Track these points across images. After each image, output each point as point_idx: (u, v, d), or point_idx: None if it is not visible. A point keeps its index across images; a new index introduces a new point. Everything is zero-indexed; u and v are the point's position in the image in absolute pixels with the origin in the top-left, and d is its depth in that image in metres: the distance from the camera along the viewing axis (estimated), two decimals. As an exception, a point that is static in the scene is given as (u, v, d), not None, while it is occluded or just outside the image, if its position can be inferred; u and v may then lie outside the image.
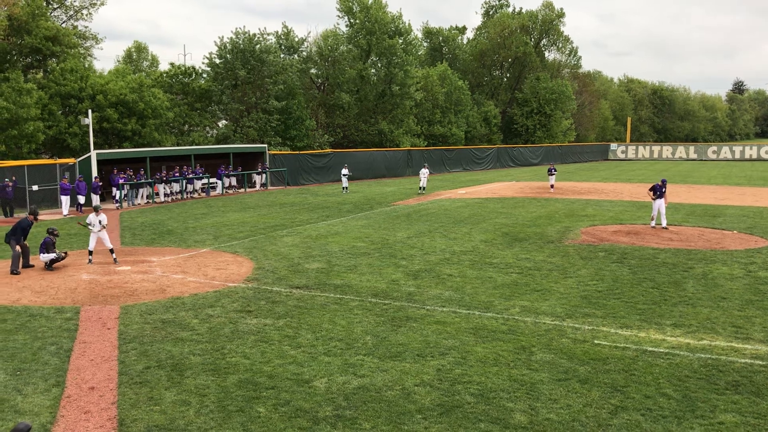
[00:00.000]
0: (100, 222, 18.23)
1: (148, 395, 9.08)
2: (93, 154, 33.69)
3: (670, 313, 12.98)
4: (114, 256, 18.48)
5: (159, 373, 9.91)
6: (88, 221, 18.44)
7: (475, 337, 11.51)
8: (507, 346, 11.02)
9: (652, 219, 24.04)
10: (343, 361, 10.36)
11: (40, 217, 19.61)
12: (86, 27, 51.18)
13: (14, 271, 17.02)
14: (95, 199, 31.51)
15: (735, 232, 23.23)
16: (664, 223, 23.87)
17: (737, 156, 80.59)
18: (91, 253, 18.50)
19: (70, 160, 34.03)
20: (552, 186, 39.96)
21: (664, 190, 23.84)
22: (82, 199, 31.07)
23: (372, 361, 10.32)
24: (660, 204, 23.74)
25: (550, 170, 40.65)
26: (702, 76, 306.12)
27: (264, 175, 44.25)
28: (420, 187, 39.32)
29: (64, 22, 49.73)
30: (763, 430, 8.00)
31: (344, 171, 41.39)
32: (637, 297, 14.19)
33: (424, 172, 40.04)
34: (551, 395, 9.02)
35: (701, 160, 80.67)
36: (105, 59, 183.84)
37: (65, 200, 30.43)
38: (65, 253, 18.36)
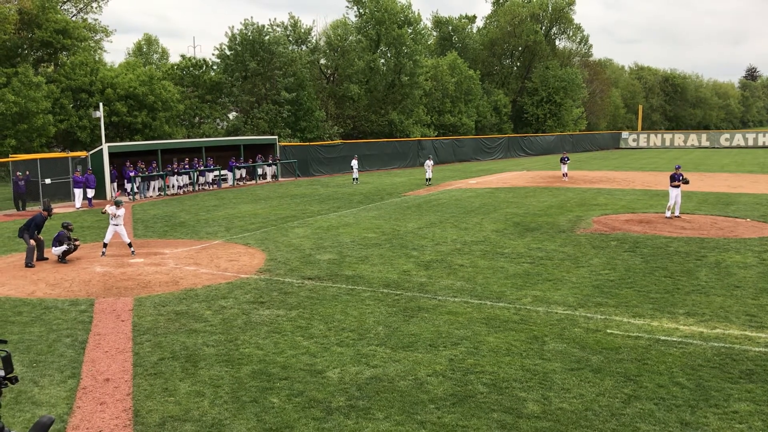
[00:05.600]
0: (116, 214, 18.29)
1: (162, 386, 9.15)
2: (105, 147, 33.86)
3: (683, 301, 12.93)
4: (132, 249, 18.61)
5: (173, 364, 9.98)
6: (106, 210, 18.59)
7: (487, 327, 11.52)
8: (519, 335, 11.03)
9: (668, 209, 23.75)
10: (355, 351, 10.39)
11: (53, 211, 19.69)
12: (96, 20, 51.27)
13: (29, 264, 17.17)
14: (110, 189, 32.00)
15: (748, 220, 23.08)
16: (677, 212, 23.71)
17: (750, 143, 79.96)
18: (105, 245, 18.61)
19: (82, 153, 34.22)
20: (565, 174, 39.79)
21: (682, 177, 23.61)
22: (91, 193, 31.30)
23: (384, 352, 10.35)
24: (677, 193, 23.54)
25: (562, 159, 40.46)
26: (714, 62, 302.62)
27: (275, 167, 44.29)
28: (426, 179, 39.12)
29: (74, 15, 49.91)
30: (778, 419, 7.98)
31: (354, 162, 41.36)
32: (649, 286, 14.14)
33: (429, 164, 39.79)
34: (564, 385, 9.02)
35: (713, 147, 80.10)
36: (115, 52, 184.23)
37: (78, 193, 30.67)
38: (76, 241, 18.46)
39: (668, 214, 23.66)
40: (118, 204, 18.60)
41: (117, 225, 18.38)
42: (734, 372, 9.37)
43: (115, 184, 34.24)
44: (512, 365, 9.73)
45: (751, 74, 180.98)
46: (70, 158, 32.82)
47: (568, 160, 40.98)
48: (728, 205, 26.79)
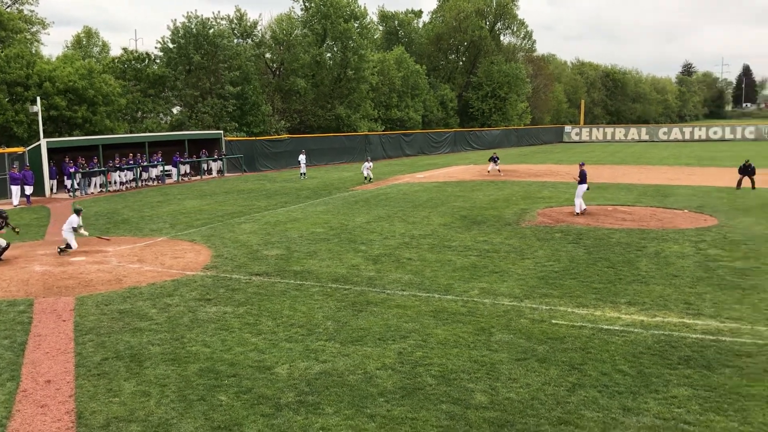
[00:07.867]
0: (80, 224, 17.84)
1: (106, 387, 8.95)
2: (43, 142, 32.83)
3: (625, 291, 13.29)
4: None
5: (117, 364, 9.77)
6: (78, 224, 17.84)
7: (435, 319, 11.62)
8: (467, 327, 11.16)
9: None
10: (304, 346, 10.36)
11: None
12: (32, 11, 49.60)
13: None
14: (49, 186, 30.97)
15: (686, 211, 23.84)
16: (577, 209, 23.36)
17: (687, 137, 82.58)
18: (70, 246, 17.84)
19: (19, 149, 33.10)
20: (489, 171, 40.82)
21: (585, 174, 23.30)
22: (29, 190, 30.34)
23: (333, 346, 10.34)
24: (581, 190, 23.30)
25: (493, 158, 41.37)
26: (652, 58, 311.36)
27: (220, 162, 43.68)
28: (365, 177, 37.43)
29: (8, 6, 48.15)
30: (714, 403, 8.28)
31: (301, 157, 40.95)
32: (592, 276, 14.49)
33: (367, 166, 38.11)
34: (511, 375, 9.18)
35: (653, 141, 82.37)
36: (53, 45, 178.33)
37: (15, 190, 29.66)
38: (16, 229, 18.03)
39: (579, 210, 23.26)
40: (78, 212, 18.01)
41: (83, 231, 17.98)
42: (673, 358, 9.69)
43: (55, 181, 33.32)
44: (460, 357, 9.85)
45: (687, 70, 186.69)
46: (6, 154, 31.70)
47: (498, 159, 41.87)
48: (666, 197, 27.62)
